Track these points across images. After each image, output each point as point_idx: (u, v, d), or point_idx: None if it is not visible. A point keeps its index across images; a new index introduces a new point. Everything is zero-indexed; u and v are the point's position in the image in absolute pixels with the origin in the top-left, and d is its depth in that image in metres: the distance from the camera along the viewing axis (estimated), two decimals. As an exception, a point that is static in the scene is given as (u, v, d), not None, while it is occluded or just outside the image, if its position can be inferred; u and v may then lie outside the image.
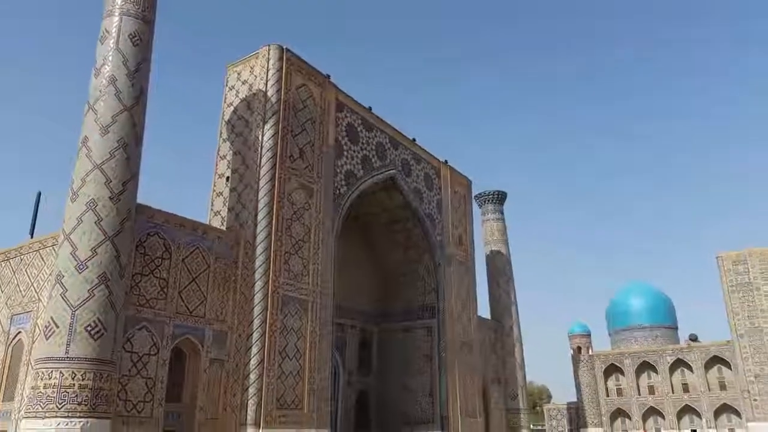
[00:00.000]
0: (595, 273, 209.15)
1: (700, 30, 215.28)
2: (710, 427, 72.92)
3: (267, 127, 33.99)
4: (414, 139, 49.35)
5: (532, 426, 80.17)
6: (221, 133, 36.16)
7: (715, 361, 74.97)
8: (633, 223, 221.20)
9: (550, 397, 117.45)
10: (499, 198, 67.51)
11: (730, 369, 73.16)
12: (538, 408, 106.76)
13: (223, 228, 32.70)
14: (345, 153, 40.49)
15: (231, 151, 35.02)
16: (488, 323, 59.96)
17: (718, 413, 74.10)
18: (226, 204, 33.74)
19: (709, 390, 74.91)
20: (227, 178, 34.43)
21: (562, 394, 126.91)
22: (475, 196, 63.55)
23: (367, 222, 49.37)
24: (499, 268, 64.20)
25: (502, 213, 67.46)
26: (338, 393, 43.73)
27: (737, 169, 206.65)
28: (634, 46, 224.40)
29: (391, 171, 45.42)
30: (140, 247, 26.81)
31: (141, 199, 26.50)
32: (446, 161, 53.79)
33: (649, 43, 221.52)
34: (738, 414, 72.02)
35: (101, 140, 24.83)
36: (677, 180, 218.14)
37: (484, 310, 60.11)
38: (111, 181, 24.27)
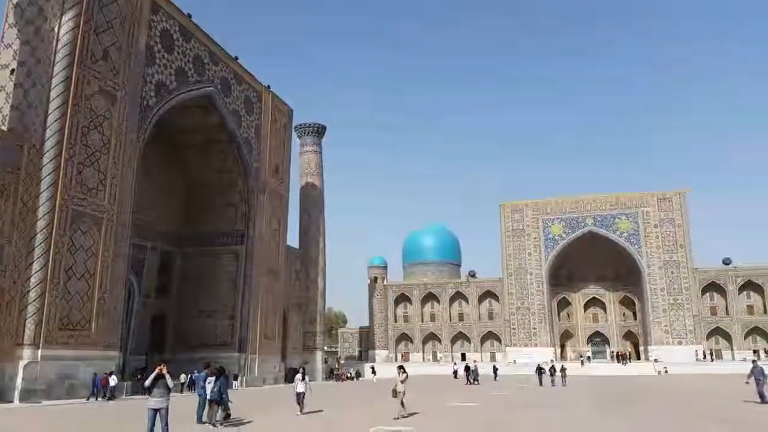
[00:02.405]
0: (401, 209, 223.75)
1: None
2: (477, 351, 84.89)
3: (65, 18, 29.91)
4: (236, 58, 47.08)
5: (327, 348, 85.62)
6: (7, 17, 30.94)
7: (488, 295, 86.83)
8: (439, 167, 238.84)
9: (345, 322, 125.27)
10: (319, 131, 68.05)
11: (498, 302, 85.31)
12: (333, 331, 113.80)
13: (4, 128, 28.60)
14: (157, 61, 37.33)
15: (19, 40, 30.26)
16: (296, 252, 61.49)
17: (484, 339, 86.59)
18: (9, 101, 29.40)
19: (480, 319, 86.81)
20: (12, 70, 29.85)
21: (358, 319, 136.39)
22: (295, 127, 63.27)
23: (179, 140, 46.62)
24: (312, 200, 65.55)
25: (320, 146, 68.25)
26: (132, 315, 42.02)
27: (533, 128, 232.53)
28: None
29: (209, 88, 43.10)
30: None
31: None
32: (269, 86, 52.44)
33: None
34: (499, 340, 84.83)
35: None
36: (484, 133, 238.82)
37: (293, 239, 61.49)
38: None
